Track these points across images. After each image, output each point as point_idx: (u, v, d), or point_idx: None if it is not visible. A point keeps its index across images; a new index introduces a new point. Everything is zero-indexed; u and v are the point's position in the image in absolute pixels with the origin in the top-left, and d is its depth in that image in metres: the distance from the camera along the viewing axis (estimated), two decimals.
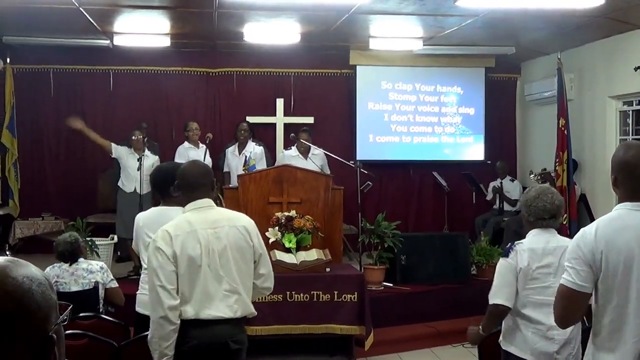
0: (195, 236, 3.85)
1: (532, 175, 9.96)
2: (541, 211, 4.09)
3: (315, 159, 9.60)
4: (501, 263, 4.16)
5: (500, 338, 4.19)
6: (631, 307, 3.01)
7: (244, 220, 4.05)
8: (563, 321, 3.24)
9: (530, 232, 4.17)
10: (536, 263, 4.02)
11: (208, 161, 9.34)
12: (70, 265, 5.72)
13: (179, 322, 3.81)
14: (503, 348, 4.15)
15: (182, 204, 4.11)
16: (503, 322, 4.19)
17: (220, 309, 3.83)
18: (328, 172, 9.42)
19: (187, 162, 4.57)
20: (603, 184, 9.39)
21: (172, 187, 4.39)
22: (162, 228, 3.94)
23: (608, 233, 3.05)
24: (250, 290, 3.99)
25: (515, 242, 4.15)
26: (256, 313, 4.08)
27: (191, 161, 4.63)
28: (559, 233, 4.23)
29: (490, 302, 4.15)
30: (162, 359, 3.81)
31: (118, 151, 9.44)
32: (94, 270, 5.73)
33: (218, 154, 10.39)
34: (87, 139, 9.95)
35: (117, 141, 9.58)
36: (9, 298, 1.32)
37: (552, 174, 9.56)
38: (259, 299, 6.60)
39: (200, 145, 9.82)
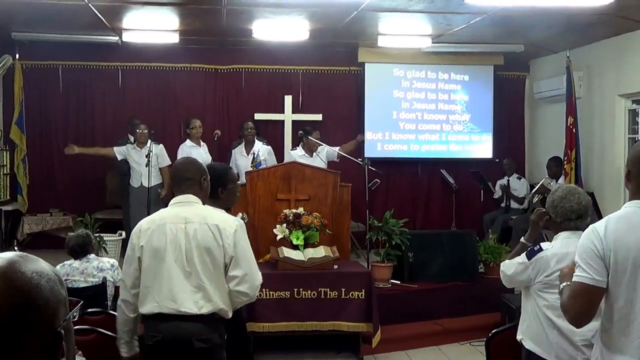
0: (163, 230, 3.87)
1: (532, 198, 9.99)
2: (568, 212, 3.99)
3: (322, 156, 9.61)
4: (523, 261, 4.08)
5: (522, 336, 4.12)
6: (638, 306, 2.98)
7: (219, 219, 3.93)
8: (578, 320, 3.16)
9: (559, 234, 4.06)
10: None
11: (208, 158, 9.38)
12: (80, 261, 5.73)
13: (132, 316, 3.95)
14: (526, 347, 4.07)
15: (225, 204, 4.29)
16: (525, 321, 4.12)
17: (185, 304, 3.79)
18: (335, 156, 9.55)
19: (180, 158, 4.65)
20: (611, 182, 9.38)
21: (220, 189, 4.45)
22: (143, 219, 4.08)
23: (617, 231, 3.02)
24: (221, 290, 3.87)
25: (544, 245, 4.04)
26: (230, 315, 3.96)
27: (183, 157, 4.73)
28: None
29: (503, 271, 4.26)
30: (120, 341, 3.99)
31: (122, 152, 9.54)
32: (104, 268, 5.74)
33: (226, 151, 10.39)
34: (96, 137, 10.23)
35: (116, 142, 9.79)
36: (17, 293, 1.32)
37: (549, 184, 9.56)
38: (266, 296, 6.70)
39: (202, 143, 9.87)
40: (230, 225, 3.92)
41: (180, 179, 4.05)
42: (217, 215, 3.98)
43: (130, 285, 3.94)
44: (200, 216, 3.91)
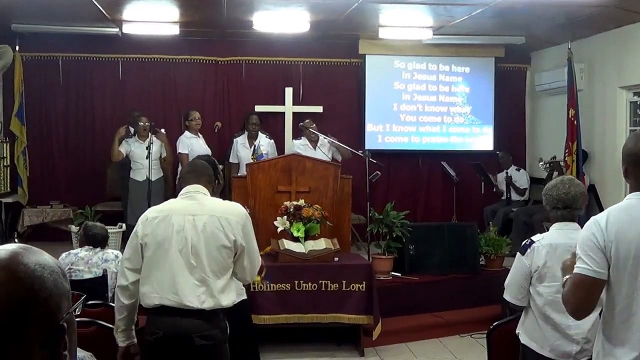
0: (169, 220, 3.84)
1: (541, 163, 9.91)
2: (555, 200, 3.99)
3: (324, 149, 9.60)
4: (517, 259, 4.11)
5: (519, 330, 4.13)
6: (639, 298, 2.98)
7: (227, 212, 3.92)
8: (578, 312, 3.16)
9: (553, 225, 4.06)
10: (558, 260, 3.79)
11: (207, 150, 9.38)
12: (87, 251, 5.79)
13: (127, 302, 3.89)
14: (522, 342, 4.08)
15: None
16: (522, 315, 4.13)
17: (187, 297, 3.75)
18: (339, 156, 9.56)
19: (205, 155, 4.68)
20: (613, 175, 9.36)
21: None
22: (151, 207, 4.07)
23: (619, 223, 3.01)
24: (225, 286, 3.85)
25: (535, 237, 4.04)
26: (230, 306, 3.96)
27: (208, 155, 4.75)
28: None
29: (504, 294, 4.15)
30: (117, 330, 3.95)
31: (125, 147, 9.53)
32: (108, 259, 5.80)
33: (227, 143, 10.39)
34: (96, 129, 10.68)
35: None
36: (20, 285, 1.30)
37: (562, 163, 9.53)
38: (267, 288, 6.71)
39: (199, 134, 9.86)
40: (239, 216, 3.92)
41: (201, 173, 4.07)
42: (225, 207, 3.98)
43: (130, 270, 3.89)
44: (209, 209, 3.89)
